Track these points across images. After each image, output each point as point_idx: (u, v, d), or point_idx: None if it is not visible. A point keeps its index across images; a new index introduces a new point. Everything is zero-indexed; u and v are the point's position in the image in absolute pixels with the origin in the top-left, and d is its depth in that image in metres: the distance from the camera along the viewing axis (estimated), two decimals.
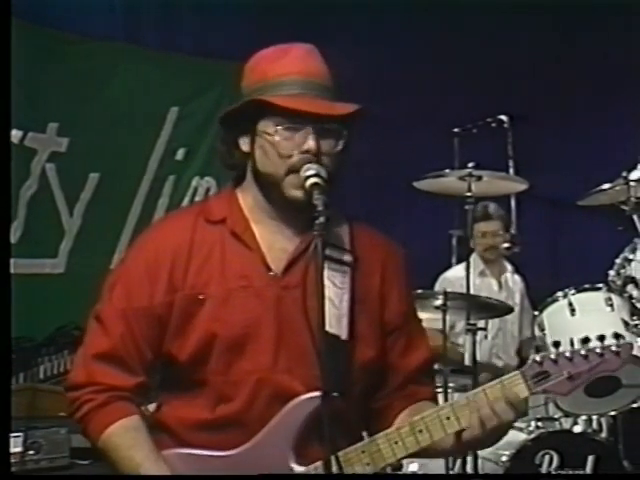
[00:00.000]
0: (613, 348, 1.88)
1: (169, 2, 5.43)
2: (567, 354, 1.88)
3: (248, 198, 2.03)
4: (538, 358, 1.89)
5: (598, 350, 1.88)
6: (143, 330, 1.97)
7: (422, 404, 2.01)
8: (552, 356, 1.88)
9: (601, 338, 1.89)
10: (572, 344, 1.89)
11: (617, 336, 1.90)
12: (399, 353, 2.04)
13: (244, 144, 1.99)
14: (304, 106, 1.91)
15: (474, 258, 5.00)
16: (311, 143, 1.91)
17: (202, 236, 2.00)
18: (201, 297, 1.95)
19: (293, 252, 1.98)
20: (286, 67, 1.96)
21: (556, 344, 1.90)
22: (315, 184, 1.87)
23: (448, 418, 1.87)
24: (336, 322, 1.91)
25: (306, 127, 1.92)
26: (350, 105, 1.95)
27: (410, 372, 2.05)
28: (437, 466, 4.14)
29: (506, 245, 4.94)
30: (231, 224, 2.00)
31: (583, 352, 1.88)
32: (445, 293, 4.31)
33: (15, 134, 4.63)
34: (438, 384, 3.56)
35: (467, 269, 4.32)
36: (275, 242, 1.99)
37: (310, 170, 1.89)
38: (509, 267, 5.19)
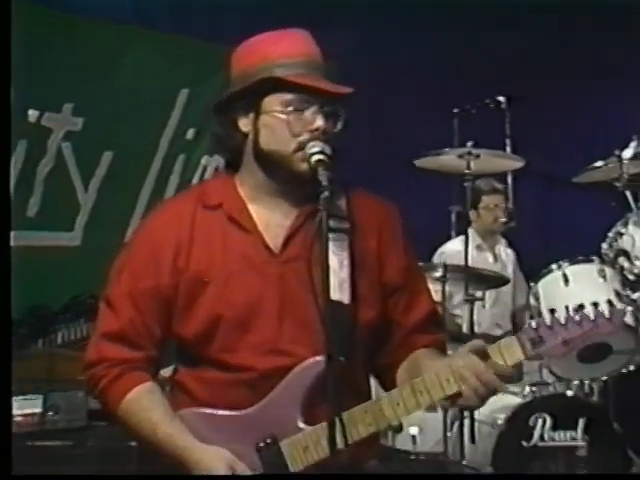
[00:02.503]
0: (606, 314, 1.89)
1: None
2: (562, 320, 1.88)
3: (246, 178, 2.02)
4: (534, 324, 1.89)
5: (592, 316, 1.89)
6: (151, 311, 1.98)
7: (419, 352, 2.01)
8: (547, 322, 1.88)
9: (595, 305, 1.90)
10: (567, 311, 1.89)
11: (610, 303, 1.91)
12: (402, 310, 2.05)
13: (244, 125, 1.98)
14: (318, 84, 1.91)
15: (471, 232, 5.01)
16: (320, 122, 1.91)
17: (202, 221, 2.00)
18: (205, 280, 1.96)
19: (290, 227, 1.98)
20: (289, 49, 1.96)
21: (552, 311, 1.91)
22: (320, 160, 1.88)
23: (448, 380, 1.87)
24: (338, 288, 1.91)
25: (313, 106, 1.92)
26: (348, 87, 1.96)
27: (412, 326, 2.05)
28: (435, 430, 4.18)
29: (504, 220, 4.96)
30: (228, 208, 2.01)
31: (577, 318, 1.88)
32: (445, 265, 4.33)
33: (32, 114, 4.65)
34: None
35: (466, 242, 4.33)
36: (272, 219, 1.99)
37: (315, 147, 1.89)
38: (502, 241, 5.22)
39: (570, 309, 1.89)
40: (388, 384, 1.99)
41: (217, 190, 2.04)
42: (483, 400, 1.86)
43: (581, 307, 1.90)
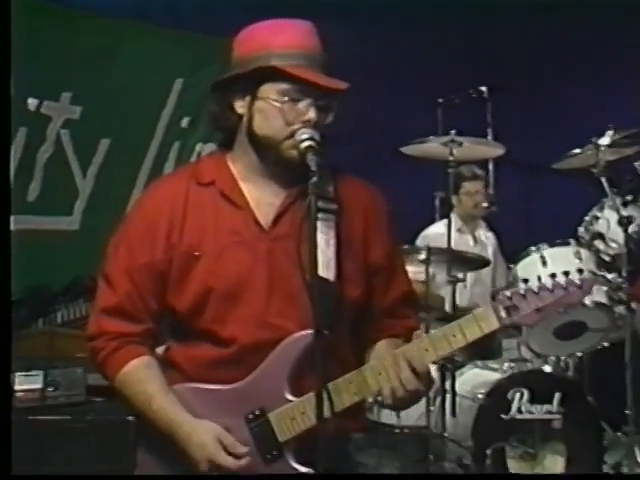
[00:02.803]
0: (577, 282, 1.90)
1: None
2: (534, 288, 1.89)
3: (238, 158, 2.03)
4: (508, 293, 1.90)
5: (563, 284, 1.90)
6: (146, 284, 1.99)
7: (391, 341, 2.03)
8: (521, 291, 1.89)
9: (566, 273, 1.91)
10: (539, 280, 1.90)
11: (580, 271, 1.93)
12: (381, 291, 2.06)
13: (240, 107, 1.98)
14: (314, 78, 1.91)
15: (453, 216, 5.04)
16: (312, 115, 1.92)
17: (195, 198, 2.01)
18: (197, 254, 1.97)
19: (280, 206, 1.99)
20: (291, 40, 1.95)
21: (525, 281, 1.91)
22: (309, 147, 1.88)
23: (427, 350, 1.90)
24: (324, 266, 1.92)
25: (308, 98, 1.93)
26: (344, 82, 1.96)
27: (388, 307, 2.07)
28: (418, 405, 4.17)
29: (485, 204, 5.00)
30: (220, 185, 2.01)
31: (549, 286, 1.89)
32: (429, 248, 4.36)
33: (31, 102, 4.63)
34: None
35: (449, 226, 4.36)
36: (262, 197, 2.00)
37: (305, 134, 1.90)
38: (483, 224, 5.26)
39: (543, 277, 1.90)
40: (361, 357, 2.01)
41: (210, 168, 2.05)
42: (402, 402, 1.89)
43: (553, 276, 1.90)
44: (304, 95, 1.92)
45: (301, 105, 1.93)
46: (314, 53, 1.96)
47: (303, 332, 1.90)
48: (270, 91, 1.94)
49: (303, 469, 1.89)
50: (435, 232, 4.92)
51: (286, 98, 1.92)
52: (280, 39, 1.96)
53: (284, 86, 1.93)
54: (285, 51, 1.94)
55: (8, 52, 2.14)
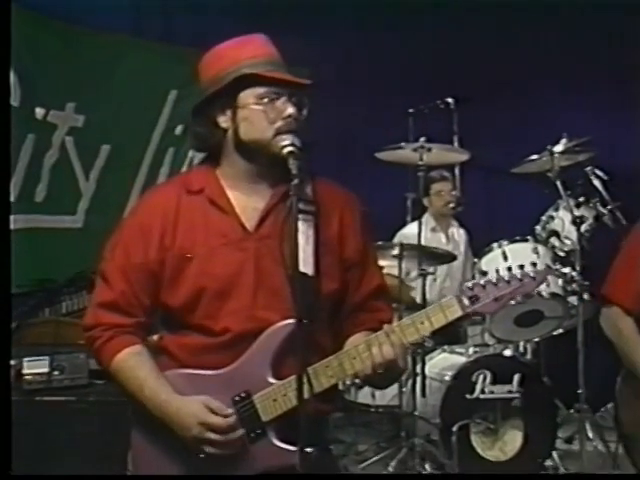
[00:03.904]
0: (530, 274, 1.91)
1: (168, 0, 5.37)
2: (493, 280, 1.89)
3: (225, 169, 2.01)
4: (470, 284, 1.91)
5: (518, 275, 1.90)
6: (140, 283, 1.98)
7: (364, 334, 2.00)
8: (481, 282, 1.90)
9: (521, 267, 1.91)
10: (497, 272, 1.90)
11: (534, 264, 1.93)
12: (355, 284, 2.05)
13: (224, 121, 1.97)
14: (285, 77, 1.93)
15: (426, 217, 5.05)
16: (291, 109, 1.92)
17: (186, 204, 2.00)
18: (189, 256, 1.96)
19: (263, 209, 1.98)
20: (255, 51, 1.97)
21: (484, 273, 1.92)
22: (290, 152, 1.87)
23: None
24: (305, 262, 1.91)
25: (283, 96, 1.93)
26: (306, 79, 1.97)
27: (361, 300, 2.06)
28: (391, 386, 4.21)
29: (453, 204, 5.00)
30: (209, 193, 2.00)
31: (506, 278, 1.90)
32: (401, 245, 4.37)
33: (39, 111, 4.60)
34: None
35: (419, 225, 4.37)
36: (247, 203, 1.99)
37: (286, 140, 1.89)
38: (455, 223, 5.25)
39: (501, 270, 1.90)
40: (337, 347, 1.98)
41: (199, 177, 2.04)
42: (382, 377, 1.89)
43: (509, 269, 1.91)
44: (279, 94, 1.93)
45: (279, 103, 1.93)
46: (276, 58, 1.99)
47: (284, 322, 1.89)
48: (249, 98, 1.94)
49: (284, 445, 1.89)
50: (410, 231, 4.90)
51: (265, 100, 1.93)
52: (246, 52, 1.97)
53: (260, 90, 1.93)
54: (253, 61, 1.95)
55: (8, 60, 2.12)
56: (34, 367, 3.14)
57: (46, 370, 3.14)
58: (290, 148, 1.88)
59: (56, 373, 3.15)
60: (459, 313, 1.90)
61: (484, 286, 1.89)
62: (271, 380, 1.91)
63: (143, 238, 1.98)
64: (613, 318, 2.78)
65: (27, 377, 3.12)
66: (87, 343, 2.02)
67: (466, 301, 1.89)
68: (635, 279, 2.73)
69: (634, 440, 2.68)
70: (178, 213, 1.98)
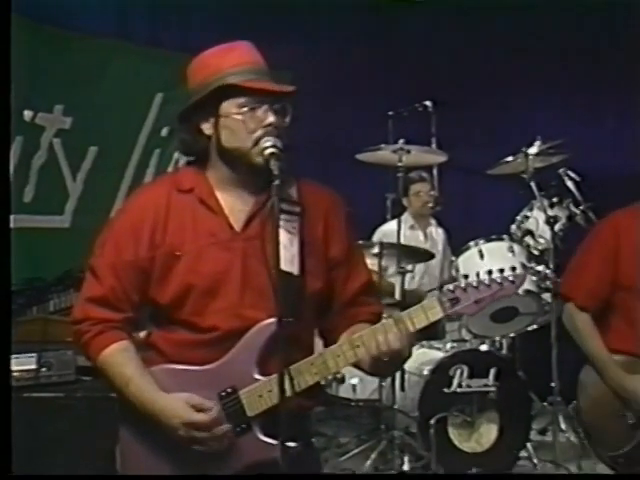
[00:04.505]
0: (510, 278, 1.91)
1: (155, 4, 5.34)
2: (474, 283, 1.90)
3: (213, 172, 2.00)
4: (451, 287, 1.90)
5: (498, 279, 1.90)
6: (130, 279, 1.96)
7: (360, 325, 2.01)
8: (462, 285, 1.90)
9: (501, 270, 1.91)
10: (478, 275, 1.91)
11: (513, 269, 1.93)
12: (342, 282, 2.04)
13: (207, 129, 1.95)
14: (265, 86, 1.90)
15: (406, 216, 5.07)
16: (271, 118, 1.90)
17: (176, 203, 1.98)
18: (178, 254, 1.94)
19: (250, 211, 1.97)
20: (238, 59, 1.94)
21: (465, 276, 1.92)
22: (272, 153, 1.87)
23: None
24: (289, 262, 1.91)
25: (264, 105, 1.91)
26: (290, 86, 1.95)
27: (350, 297, 2.05)
28: (372, 381, 4.21)
29: (431, 204, 5.02)
30: (199, 192, 1.99)
31: (486, 281, 1.90)
32: (381, 243, 4.37)
33: (27, 114, 4.57)
34: None
35: (398, 224, 4.37)
36: (235, 205, 1.98)
37: (268, 142, 1.88)
38: (433, 222, 5.27)
39: (481, 274, 1.90)
40: (329, 343, 1.99)
41: (189, 177, 2.02)
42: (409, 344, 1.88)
43: (490, 272, 1.90)
44: (260, 103, 1.91)
45: (259, 112, 1.91)
46: (260, 66, 1.97)
47: (270, 320, 1.88)
48: (230, 107, 1.92)
49: (268, 440, 1.88)
50: (389, 229, 4.91)
51: (245, 109, 1.91)
52: (229, 60, 1.95)
53: (241, 99, 1.91)
54: (236, 69, 1.93)
55: (8, 62, 2.13)
56: (22, 364, 3.11)
57: (34, 367, 3.11)
58: (272, 150, 1.87)
59: (44, 370, 3.11)
60: (440, 315, 1.90)
61: (465, 289, 1.89)
62: (257, 376, 1.91)
63: (134, 235, 1.96)
64: (569, 314, 2.84)
65: (15, 374, 3.09)
66: (75, 337, 2.00)
67: (447, 303, 1.89)
68: (588, 276, 2.77)
69: (592, 429, 2.72)
70: (169, 211, 1.97)
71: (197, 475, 1.91)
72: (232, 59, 1.94)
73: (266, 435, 1.89)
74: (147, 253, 1.94)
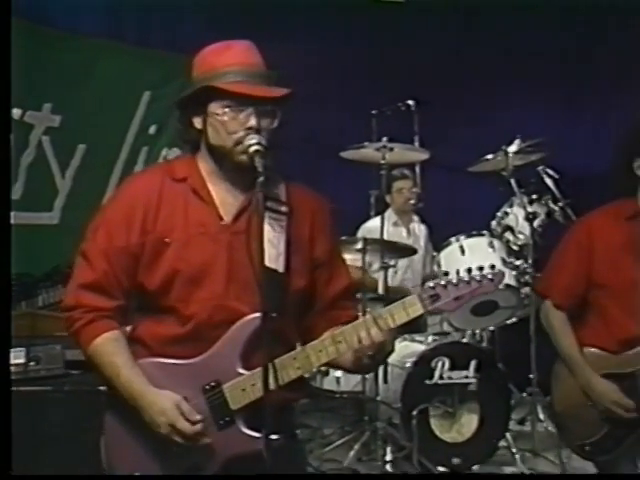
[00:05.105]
0: (489, 276, 1.90)
1: (143, 5, 5.30)
2: (454, 280, 1.89)
3: (204, 164, 2.00)
4: (431, 284, 1.90)
5: (477, 277, 1.90)
6: (121, 264, 1.95)
7: (340, 327, 1.98)
8: (442, 282, 1.89)
9: (480, 268, 1.91)
10: (458, 273, 1.90)
11: (492, 266, 1.93)
12: (324, 282, 2.04)
13: (197, 123, 1.96)
14: (248, 90, 1.89)
15: (389, 212, 5.06)
16: (253, 121, 1.89)
17: (168, 191, 1.97)
18: (167, 240, 1.93)
19: (240, 205, 1.96)
20: (230, 59, 1.93)
21: (446, 273, 1.91)
22: (256, 151, 1.86)
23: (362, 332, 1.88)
24: (275, 259, 1.91)
25: (248, 108, 1.90)
26: (283, 89, 1.94)
27: (332, 297, 2.05)
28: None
29: (413, 201, 5.01)
30: (191, 182, 1.98)
31: (466, 279, 1.89)
32: (365, 239, 4.36)
33: (16, 112, 4.53)
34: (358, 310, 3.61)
35: (382, 220, 4.37)
36: (226, 198, 1.98)
37: (252, 139, 1.88)
38: (416, 218, 5.26)
39: (461, 271, 1.90)
40: (308, 341, 1.97)
41: (183, 167, 2.02)
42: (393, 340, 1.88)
43: (469, 270, 1.90)
44: (244, 106, 1.90)
45: (242, 115, 1.90)
46: (252, 68, 1.94)
47: (253, 315, 1.87)
48: (216, 107, 1.92)
49: (251, 433, 1.87)
50: (373, 225, 4.90)
51: (227, 110, 1.91)
52: (222, 60, 1.94)
53: (226, 101, 1.91)
54: (226, 70, 1.92)
55: (8, 61, 2.12)
56: (11, 358, 3.07)
57: (22, 361, 3.08)
58: (256, 147, 1.87)
59: (32, 364, 3.09)
60: (420, 311, 1.90)
61: (445, 286, 1.89)
62: (240, 371, 1.90)
63: (126, 221, 1.95)
64: (546, 311, 2.84)
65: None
66: (66, 324, 1.97)
67: (427, 300, 1.88)
68: (564, 276, 2.78)
69: (563, 418, 2.75)
70: (161, 198, 1.96)
71: (196, 475, 1.90)
72: (225, 59, 1.94)
73: (249, 428, 1.88)
74: (138, 239, 1.94)
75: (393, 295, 4.27)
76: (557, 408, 2.78)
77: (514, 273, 4.23)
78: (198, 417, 1.87)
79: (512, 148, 4.52)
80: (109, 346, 1.92)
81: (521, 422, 4.60)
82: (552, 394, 2.79)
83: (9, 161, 2.13)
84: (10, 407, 1.92)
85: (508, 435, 4.11)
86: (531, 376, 4.26)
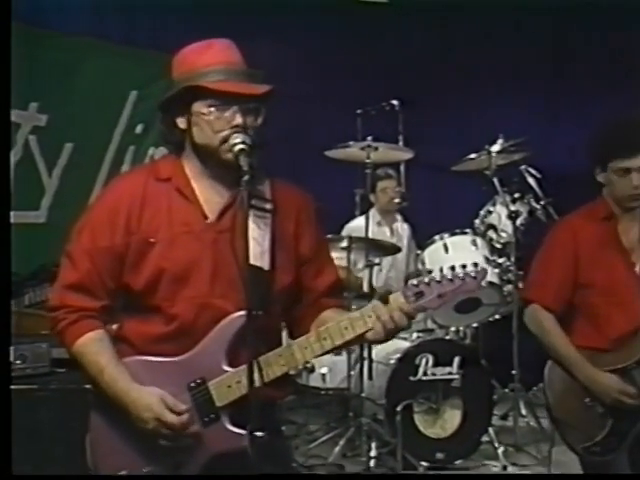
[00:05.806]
0: (472, 274, 1.90)
1: (129, 5, 5.27)
2: (437, 278, 1.88)
3: (188, 163, 1.99)
4: (415, 282, 1.89)
5: (460, 275, 1.89)
6: (105, 265, 1.93)
7: (328, 311, 2.01)
8: (426, 280, 1.89)
9: (463, 266, 1.90)
10: (441, 271, 1.90)
11: (475, 264, 1.92)
12: (311, 277, 2.03)
13: (181, 123, 1.94)
14: (232, 88, 1.88)
15: (373, 212, 5.06)
16: (239, 119, 1.88)
17: (152, 191, 1.96)
18: (152, 240, 1.92)
19: (224, 203, 1.95)
20: (212, 58, 1.92)
21: (429, 271, 1.92)
22: (241, 149, 1.85)
23: (346, 328, 1.87)
24: (260, 256, 1.90)
25: (233, 106, 1.89)
26: (266, 86, 1.92)
27: (320, 291, 2.05)
28: (341, 370, 4.22)
29: (397, 200, 5.02)
30: (175, 182, 1.97)
31: (449, 277, 1.89)
32: (350, 238, 4.36)
33: None
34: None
35: (366, 219, 4.38)
36: (210, 196, 1.96)
37: (237, 138, 1.86)
38: (399, 218, 5.27)
39: (444, 269, 1.90)
40: (296, 335, 1.97)
41: (167, 167, 2.00)
42: (389, 334, 1.87)
43: (453, 268, 1.90)
44: (229, 104, 1.89)
45: (228, 113, 1.89)
46: (234, 66, 1.93)
47: (238, 313, 1.86)
48: (200, 106, 1.91)
49: (236, 430, 1.86)
50: (357, 224, 4.91)
51: (212, 109, 1.89)
52: (204, 59, 1.92)
53: (210, 100, 1.89)
54: (208, 69, 1.90)
55: (8, 62, 2.12)
56: None
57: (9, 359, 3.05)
58: (241, 146, 1.85)
59: (18, 362, 3.06)
60: (404, 308, 1.87)
61: (428, 283, 1.88)
62: (226, 368, 1.89)
63: (110, 221, 1.93)
64: (534, 314, 2.78)
65: None
66: (51, 324, 1.96)
67: (411, 297, 1.88)
68: (552, 278, 2.76)
69: (563, 423, 2.72)
70: (145, 199, 1.95)
71: (194, 475, 1.88)
72: (207, 58, 1.92)
73: (234, 425, 1.87)
74: (122, 239, 1.92)
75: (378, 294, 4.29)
76: (555, 415, 2.71)
77: (497, 271, 4.24)
78: (183, 407, 1.86)
79: (495, 147, 4.54)
80: (93, 346, 1.91)
81: (504, 417, 4.62)
82: (548, 401, 2.72)
83: (8, 161, 2.11)
84: (10, 408, 1.90)
85: (491, 430, 4.13)
86: (514, 372, 4.28)
